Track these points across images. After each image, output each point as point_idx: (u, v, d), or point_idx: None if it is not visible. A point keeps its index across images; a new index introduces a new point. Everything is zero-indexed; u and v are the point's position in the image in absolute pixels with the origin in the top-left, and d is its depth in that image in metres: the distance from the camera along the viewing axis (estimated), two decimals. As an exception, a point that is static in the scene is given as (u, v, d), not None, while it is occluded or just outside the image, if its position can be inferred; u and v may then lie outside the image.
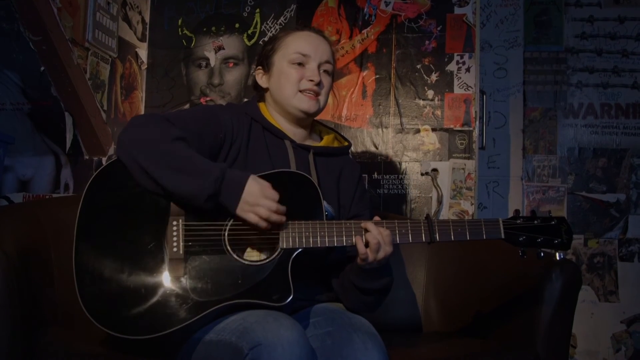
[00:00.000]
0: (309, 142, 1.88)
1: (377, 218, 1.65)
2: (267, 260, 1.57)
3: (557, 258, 1.68)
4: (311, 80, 1.78)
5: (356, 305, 1.72)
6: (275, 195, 1.56)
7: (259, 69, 1.88)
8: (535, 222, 1.68)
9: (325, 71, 1.83)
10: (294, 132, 1.85)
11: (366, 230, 1.60)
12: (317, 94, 1.80)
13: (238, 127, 1.77)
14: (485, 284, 2.05)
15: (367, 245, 1.59)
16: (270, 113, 1.86)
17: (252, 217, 1.54)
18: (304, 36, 1.83)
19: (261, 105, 1.88)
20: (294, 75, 1.79)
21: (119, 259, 1.53)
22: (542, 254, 1.67)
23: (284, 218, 1.56)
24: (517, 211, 1.71)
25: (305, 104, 1.79)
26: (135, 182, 1.57)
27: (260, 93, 1.91)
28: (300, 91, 1.79)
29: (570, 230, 1.68)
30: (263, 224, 1.55)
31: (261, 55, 1.88)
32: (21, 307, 1.57)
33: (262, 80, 1.87)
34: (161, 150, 1.54)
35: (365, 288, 1.67)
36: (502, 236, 1.67)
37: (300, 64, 1.79)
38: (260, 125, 1.81)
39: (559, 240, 1.67)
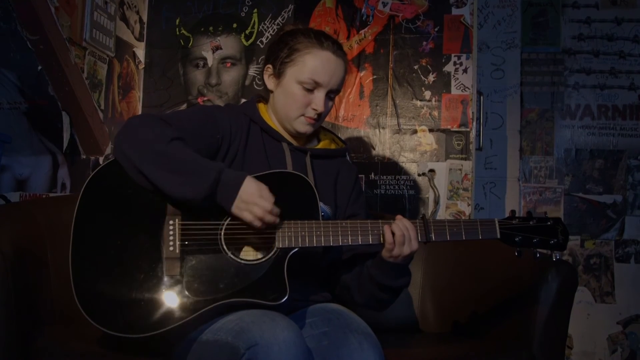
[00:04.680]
0: (306, 145, 1.88)
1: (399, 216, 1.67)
2: (263, 259, 1.58)
3: (554, 258, 1.69)
4: (314, 109, 1.77)
5: (367, 301, 1.73)
6: (271, 196, 1.56)
7: (269, 67, 1.84)
8: (531, 222, 1.69)
9: (330, 96, 1.81)
10: (292, 135, 1.85)
11: (392, 222, 1.63)
12: (317, 120, 1.80)
13: (236, 129, 1.76)
14: (481, 285, 2.05)
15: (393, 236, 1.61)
16: (270, 115, 1.86)
17: (247, 216, 1.54)
18: (323, 59, 1.76)
19: (260, 106, 1.88)
20: (301, 101, 1.77)
21: (115, 258, 1.53)
22: (538, 255, 1.68)
23: (277, 219, 1.57)
24: (513, 212, 1.72)
25: (303, 127, 1.80)
26: (132, 182, 1.57)
27: (265, 90, 1.89)
28: (303, 115, 1.78)
29: (566, 230, 1.69)
30: (257, 223, 1.55)
31: (274, 55, 1.82)
32: (18, 306, 1.57)
33: (269, 81, 1.84)
34: (157, 151, 1.54)
35: (384, 284, 1.69)
36: (498, 236, 1.67)
37: (310, 89, 1.77)
38: (258, 127, 1.81)
39: (554, 240, 1.68)
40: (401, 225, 1.62)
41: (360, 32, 2.75)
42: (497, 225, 1.68)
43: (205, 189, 1.52)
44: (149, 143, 1.55)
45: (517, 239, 1.67)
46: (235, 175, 1.56)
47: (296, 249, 1.59)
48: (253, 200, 1.53)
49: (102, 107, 2.60)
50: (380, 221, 1.65)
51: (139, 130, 1.58)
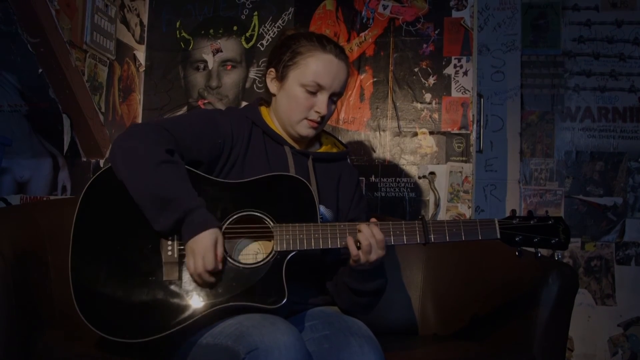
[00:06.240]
0: (308, 148, 1.88)
1: (373, 220, 1.64)
2: (262, 262, 1.57)
3: (556, 257, 1.66)
4: (317, 112, 1.77)
5: (350, 307, 1.72)
6: (218, 255, 1.52)
7: (272, 71, 1.83)
8: (532, 221, 1.66)
9: (333, 99, 1.81)
10: (294, 139, 1.85)
11: (359, 232, 1.60)
12: (320, 123, 1.80)
13: (238, 132, 1.76)
14: (482, 287, 2.05)
15: (358, 247, 1.59)
16: (272, 119, 1.86)
17: (188, 261, 1.53)
18: (326, 62, 1.76)
19: (262, 109, 1.87)
20: (304, 104, 1.76)
21: (114, 263, 1.53)
22: (539, 254, 1.66)
23: (213, 279, 1.53)
24: (513, 211, 1.68)
25: (305, 131, 1.79)
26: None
27: (266, 93, 1.89)
28: (306, 118, 1.78)
29: (567, 229, 1.66)
30: (192, 274, 1.53)
31: (276, 59, 1.82)
32: (18, 309, 1.57)
33: (271, 84, 1.83)
34: (144, 172, 1.53)
35: (358, 289, 1.67)
36: (498, 236, 1.64)
37: (313, 92, 1.76)
38: (260, 130, 1.81)
39: (556, 239, 1.64)
40: (367, 233, 1.58)
41: (361, 34, 2.75)
42: (497, 225, 1.65)
43: (166, 224, 1.52)
44: (139, 160, 1.54)
45: (517, 239, 1.64)
46: (200, 220, 1.52)
47: (294, 252, 1.58)
48: (199, 252, 1.50)
49: (103, 110, 2.61)
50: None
51: (135, 142, 1.57)
